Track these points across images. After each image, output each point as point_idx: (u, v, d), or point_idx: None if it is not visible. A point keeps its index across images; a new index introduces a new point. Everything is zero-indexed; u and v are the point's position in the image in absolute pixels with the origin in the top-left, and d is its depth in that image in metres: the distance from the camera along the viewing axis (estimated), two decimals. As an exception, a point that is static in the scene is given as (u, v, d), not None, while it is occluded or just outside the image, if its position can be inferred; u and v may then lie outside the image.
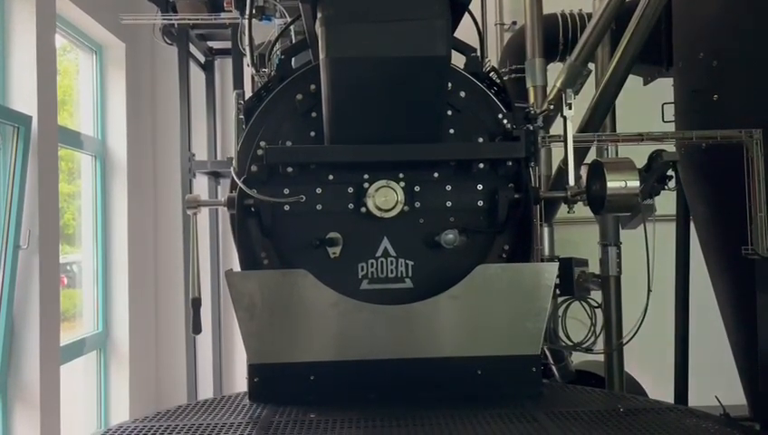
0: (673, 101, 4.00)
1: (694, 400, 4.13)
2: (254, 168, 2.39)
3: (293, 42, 3.49)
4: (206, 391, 6.14)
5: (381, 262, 2.43)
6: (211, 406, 2.34)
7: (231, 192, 2.41)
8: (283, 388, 2.32)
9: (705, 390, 3.99)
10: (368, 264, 2.42)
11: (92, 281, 5.78)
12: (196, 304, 2.46)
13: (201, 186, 6.17)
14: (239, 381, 6.14)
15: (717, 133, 3.00)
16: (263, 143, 2.38)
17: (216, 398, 2.45)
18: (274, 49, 3.08)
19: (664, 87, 4.33)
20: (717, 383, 3.85)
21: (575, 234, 4.61)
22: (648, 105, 4.22)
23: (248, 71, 5.13)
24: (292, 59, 2.61)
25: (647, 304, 3.23)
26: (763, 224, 2.91)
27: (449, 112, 2.44)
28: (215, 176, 6.28)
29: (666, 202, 3.56)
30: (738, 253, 3.03)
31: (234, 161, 2.40)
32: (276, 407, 2.25)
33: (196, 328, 2.50)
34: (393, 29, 2.11)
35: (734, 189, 3.10)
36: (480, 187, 2.45)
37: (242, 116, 2.43)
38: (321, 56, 2.15)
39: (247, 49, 2.87)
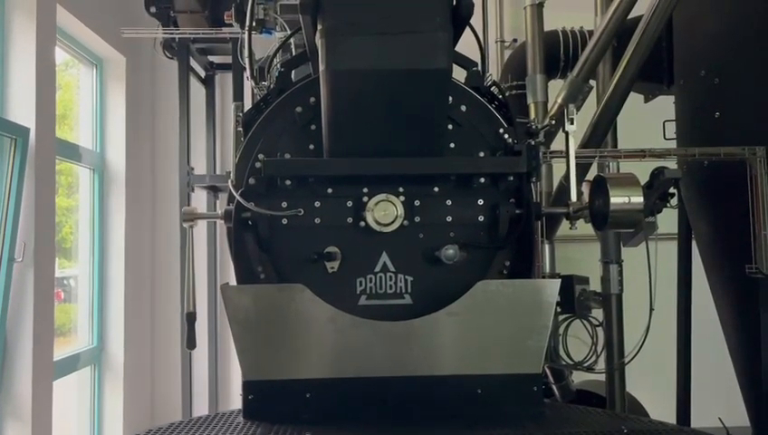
0: (674, 118, 3.99)
1: (695, 420, 4.08)
2: (251, 180, 2.36)
3: (293, 55, 3.47)
4: (201, 407, 6.07)
5: (380, 277, 2.39)
6: (204, 423, 2.28)
7: (228, 205, 2.38)
8: (279, 405, 2.27)
9: (706, 410, 3.94)
10: (366, 279, 2.38)
11: (88, 295, 5.74)
12: (190, 318, 2.41)
13: (200, 200, 6.15)
14: (235, 398, 6.07)
15: (720, 150, 2.99)
16: (261, 156, 2.35)
17: (210, 415, 2.39)
18: (274, 62, 3.06)
19: (665, 105, 4.32)
20: (719, 404, 3.80)
21: (576, 251, 4.58)
22: (650, 122, 4.21)
23: (248, 86, 5.14)
24: (292, 72, 2.59)
25: (648, 323, 3.20)
26: (767, 242, 2.89)
27: (450, 126, 2.41)
28: (213, 190, 6.26)
29: (667, 220, 3.54)
30: (741, 271, 3.00)
31: (231, 174, 2.37)
32: (271, 425, 2.20)
33: (191, 343, 2.45)
34: (394, 41, 2.08)
35: (737, 207, 3.08)
36: (481, 202, 2.42)
37: (240, 128, 2.41)
38: (322, 68, 2.12)
39: (247, 62, 2.84)
